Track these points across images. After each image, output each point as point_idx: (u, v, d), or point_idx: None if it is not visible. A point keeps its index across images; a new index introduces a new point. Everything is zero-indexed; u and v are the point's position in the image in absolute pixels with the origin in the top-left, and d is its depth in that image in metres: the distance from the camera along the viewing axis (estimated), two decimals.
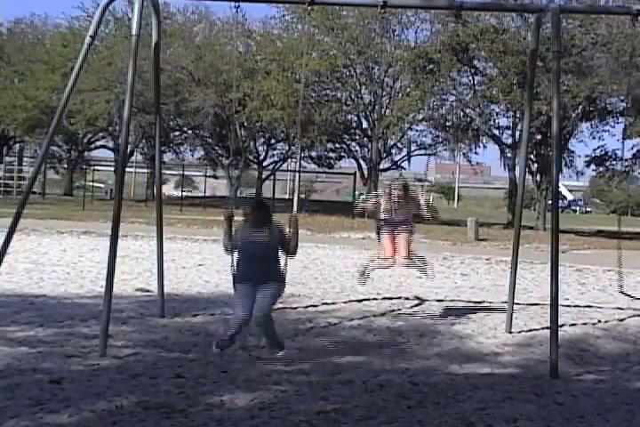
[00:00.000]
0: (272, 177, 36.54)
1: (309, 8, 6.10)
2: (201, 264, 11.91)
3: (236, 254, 6.19)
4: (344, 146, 37.14)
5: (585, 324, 7.79)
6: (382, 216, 7.72)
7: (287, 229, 6.21)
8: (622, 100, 28.39)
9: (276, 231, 6.10)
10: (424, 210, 7.67)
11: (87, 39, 6.16)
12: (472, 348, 6.52)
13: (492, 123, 31.48)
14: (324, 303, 8.55)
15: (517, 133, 30.21)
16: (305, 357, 5.84)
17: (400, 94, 32.36)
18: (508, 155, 30.84)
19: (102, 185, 51.45)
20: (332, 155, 38.47)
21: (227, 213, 6.20)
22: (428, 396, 4.75)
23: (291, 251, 6.12)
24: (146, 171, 43.37)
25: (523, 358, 6.19)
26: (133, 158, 44.36)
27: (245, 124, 33.88)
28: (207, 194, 42.41)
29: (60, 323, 6.75)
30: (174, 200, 33.99)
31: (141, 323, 6.96)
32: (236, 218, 6.18)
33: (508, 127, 31.87)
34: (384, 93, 33.08)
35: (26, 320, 6.78)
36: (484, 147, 32.95)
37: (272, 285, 5.99)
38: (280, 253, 6.11)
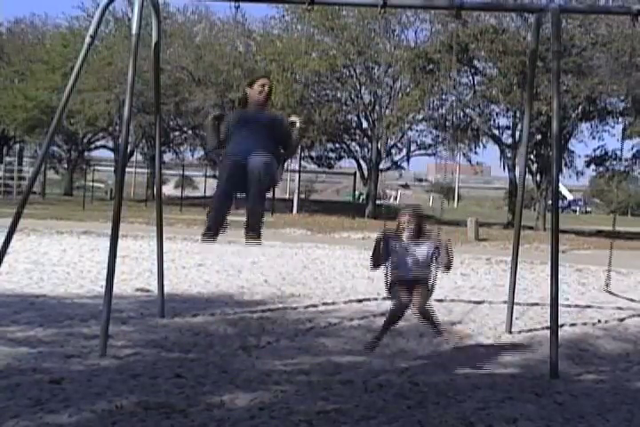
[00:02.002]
0: None
1: (309, 8, 6.09)
2: (201, 264, 11.91)
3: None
4: (344, 146, 37.18)
5: (585, 324, 7.79)
6: (391, 276, 5.81)
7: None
8: (622, 100, 28.42)
9: (278, 121, 5.82)
10: (442, 258, 5.74)
11: (87, 39, 6.15)
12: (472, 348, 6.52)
13: (492, 123, 31.55)
14: (323, 303, 8.55)
15: (517, 133, 30.24)
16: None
17: (400, 94, 32.39)
18: (508, 155, 30.88)
19: (102, 185, 51.48)
20: (331, 155, 38.52)
21: (215, 114, 5.98)
22: (428, 396, 4.75)
23: (291, 149, 5.91)
24: (146, 171, 43.41)
25: (523, 358, 6.19)
26: (133, 158, 44.43)
27: None
28: (207, 194, 42.42)
29: (59, 323, 6.74)
30: (174, 200, 33.99)
31: (141, 323, 6.96)
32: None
33: (508, 127, 31.94)
34: (384, 93, 33.11)
35: (26, 320, 6.77)
36: (484, 147, 33.05)
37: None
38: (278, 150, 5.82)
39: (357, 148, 37.11)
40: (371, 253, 5.78)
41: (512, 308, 7.36)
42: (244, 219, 5.94)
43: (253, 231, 5.97)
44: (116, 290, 6.03)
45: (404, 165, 39.22)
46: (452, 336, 6.42)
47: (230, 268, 11.33)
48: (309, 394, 4.68)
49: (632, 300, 9.04)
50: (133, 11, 6.00)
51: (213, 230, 5.94)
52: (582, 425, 4.31)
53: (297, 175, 36.74)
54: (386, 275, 5.79)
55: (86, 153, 48.55)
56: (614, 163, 31.06)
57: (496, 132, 31.88)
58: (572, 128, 30.04)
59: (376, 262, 5.75)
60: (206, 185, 43.18)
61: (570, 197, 68.71)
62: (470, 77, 30.93)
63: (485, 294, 9.74)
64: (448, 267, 5.74)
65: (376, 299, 8.98)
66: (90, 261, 11.56)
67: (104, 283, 5.87)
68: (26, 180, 33.40)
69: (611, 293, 8.29)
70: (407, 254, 5.71)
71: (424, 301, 5.71)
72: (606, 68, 25.45)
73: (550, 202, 7.59)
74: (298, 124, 6.03)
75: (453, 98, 30.83)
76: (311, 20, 26.98)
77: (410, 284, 5.69)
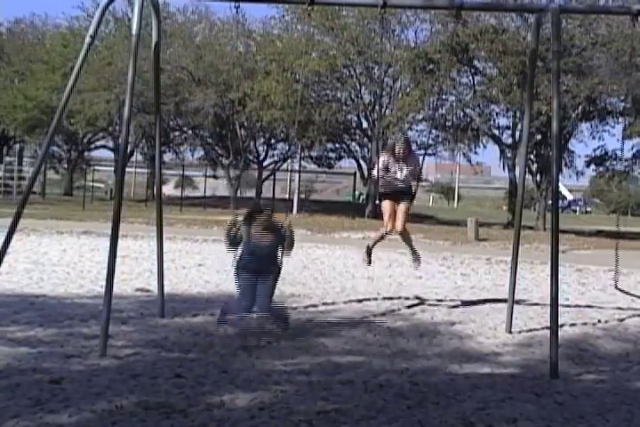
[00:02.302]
0: (272, 177, 36.55)
1: (309, 8, 6.09)
2: (201, 264, 11.91)
3: (239, 251, 6.98)
4: (344, 146, 37.16)
5: (585, 324, 7.79)
6: (387, 178, 7.95)
7: (285, 229, 6.97)
8: (622, 100, 28.41)
9: (277, 233, 6.90)
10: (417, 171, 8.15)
11: (87, 39, 6.16)
12: (472, 348, 6.52)
13: (492, 123, 31.52)
14: (323, 303, 8.55)
15: (517, 133, 30.23)
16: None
17: (400, 94, 32.37)
18: (508, 155, 30.86)
19: (102, 185, 51.47)
20: (331, 155, 38.50)
21: (233, 219, 7.02)
22: (428, 396, 4.75)
23: (287, 249, 6.95)
24: (146, 171, 43.39)
25: (523, 358, 6.19)
26: (133, 158, 44.41)
27: (245, 124, 33.89)
28: (207, 194, 42.41)
29: (60, 323, 6.75)
30: (174, 200, 33.99)
31: (141, 323, 6.96)
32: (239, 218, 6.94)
33: (508, 127, 31.90)
34: (384, 93, 33.08)
35: (26, 320, 6.78)
36: (484, 147, 33.00)
37: (271, 276, 6.91)
38: (279, 251, 6.91)
39: (357, 148, 37.10)
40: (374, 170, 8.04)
41: (512, 308, 7.36)
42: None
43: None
44: (115, 290, 6.04)
45: None
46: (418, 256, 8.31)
47: (230, 268, 11.31)
48: (309, 394, 4.69)
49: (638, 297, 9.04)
50: (133, 11, 6.01)
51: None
52: (582, 425, 4.32)
53: (297, 175, 36.74)
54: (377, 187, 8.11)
55: (86, 153, 48.51)
56: (614, 163, 31.04)
57: (496, 132, 31.86)
58: (572, 128, 30.02)
59: (376, 176, 7.93)
60: (206, 185, 43.23)
61: (570, 197, 68.67)
62: (470, 77, 30.90)
63: (485, 294, 9.74)
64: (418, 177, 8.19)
65: (376, 299, 9.00)
66: (90, 261, 11.56)
67: (104, 283, 5.88)
68: (26, 180, 33.40)
69: (621, 290, 8.28)
70: (398, 171, 7.94)
71: (405, 219, 7.97)
72: (606, 68, 25.43)
73: (550, 202, 7.59)
74: (289, 233, 7.00)
75: (453, 98, 30.82)
76: (311, 19, 26.95)
77: (396, 194, 7.99)
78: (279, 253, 6.89)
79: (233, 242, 6.95)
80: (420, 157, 8.84)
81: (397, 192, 8.05)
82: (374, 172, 8.13)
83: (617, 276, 7.98)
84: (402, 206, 8.06)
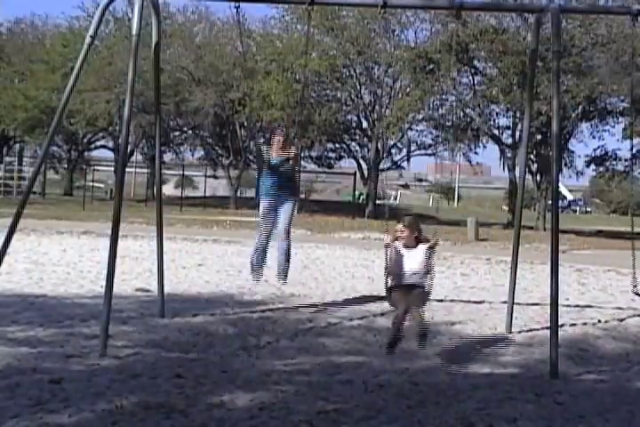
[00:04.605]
0: None
1: (309, 8, 6.09)
2: (201, 264, 11.91)
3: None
4: (344, 146, 37.18)
5: (585, 324, 7.79)
6: (390, 282, 6.10)
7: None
8: (622, 100, 28.41)
9: (292, 160, 8.09)
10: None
11: (87, 39, 6.15)
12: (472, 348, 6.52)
13: (491, 123, 31.53)
14: (324, 303, 8.54)
15: (517, 133, 30.24)
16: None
17: (400, 94, 32.40)
18: (508, 155, 30.87)
19: (102, 185, 51.46)
20: (332, 155, 38.51)
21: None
22: (428, 396, 4.75)
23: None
24: (146, 171, 43.40)
25: (523, 358, 6.19)
26: (133, 158, 44.40)
27: (245, 124, 33.90)
28: (207, 194, 42.42)
29: (59, 323, 6.74)
30: (174, 200, 33.99)
31: (141, 323, 6.96)
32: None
33: (508, 127, 31.94)
34: (384, 93, 33.11)
35: (26, 320, 6.77)
36: (484, 147, 33.03)
37: (291, 199, 8.13)
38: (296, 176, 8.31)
39: (357, 148, 37.12)
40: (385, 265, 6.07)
41: (512, 308, 7.36)
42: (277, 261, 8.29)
43: (283, 273, 8.39)
44: (115, 290, 6.03)
45: (404, 165, 39.27)
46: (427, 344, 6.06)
47: (230, 268, 11.33)
48: (309, 394, 4.68)
49: None
50: (133, 11, 6.01)
51: (258, 270, 8.31)
52: (582, 425, 4.31)
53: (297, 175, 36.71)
54: (386, 280, 6.04)
55: (86, 153, 48.54)
56: (614, 163, 31.05)
57: (496, 132, 31.88)
58: (572, 128, 30.04)
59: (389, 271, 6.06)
60: (206, 185, 43.23)
61: (570, 197, 68.67)
62: (470, 77, 30.92)
63: (485, 294, 9.73)
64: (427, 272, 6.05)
65: (376, 299, 8.98)
66: (90, 261, 11.56)
67: (104, 283, 5.87)
68: (26, 180, 33.41)
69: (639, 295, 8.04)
70: (404, 262, 6.00)
71: (420, 303, 5.93)
72: (606, 68, 25.45)
73: (550, 202, 7.57)
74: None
75: (453, 98, 30.84)
76: (311, 19, 26.97)
77: (407, 289, 5.97)
78: (297, 180, 8.26)
79: (261, 162, 8.20)
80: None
81: (408, 287, 6.03)
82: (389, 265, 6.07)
83: (635, 280, 7.67)
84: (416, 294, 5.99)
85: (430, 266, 6.06)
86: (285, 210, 8.14)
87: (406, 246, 6.05)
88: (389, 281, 6.08)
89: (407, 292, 5.96)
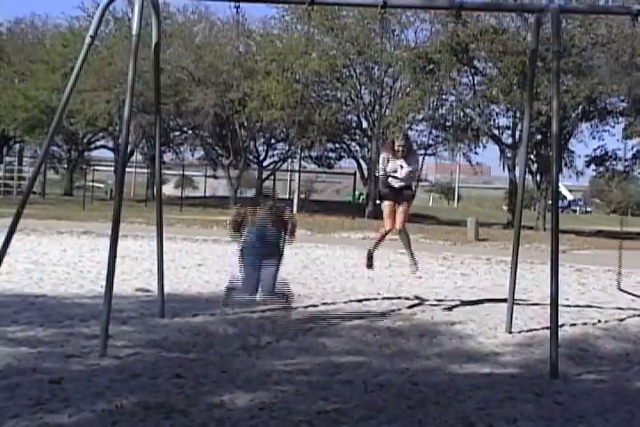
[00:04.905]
0: (272, 177, 36.54)
1: (309, 8, 6.09)
2: (201, 264, 11.91)
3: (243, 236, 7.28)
4: (344, 146, 37.17)
5: (585, 324, 7.79)
6: (389, 178, 7.98)
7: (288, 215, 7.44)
8: (622, 100, 28.41)
9: (280, 220, 7.24)
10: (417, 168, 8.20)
11: (87, 39, 6.15)
12: (472, 348, 6.52)
13: (491, 123, 31.52)
14: (323, 303, 8.55)
15: (517, 133, 30.23)
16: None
17: (400, 94, 32.39)
18: (508, 155, 30.86)
19: (102, 185, 51.46)
20: (332, 155, 38.50)
21: (238, 208, 7.44)
22: (428, 396, 4.75)
23: (290, 235, 7.28)
24: (146, 171, 43.40)
25: (523, 358, 6.19)
26: (133, 158, 44.39)
27: (245, 124, 33.89)
28: (207, 194, 42.41)
29: (59, 323, 6.75)
30: (174, 200, 33.99)
31: (141, 323, 6.96)
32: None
33: (508, 127, 31.92)
34: (384, 93, 33.10)
35: (26, 320, 6.77)
36: (484, 147, 33.01)
37: (275, 260, 7.19)
38: (281, 237, 7.27)
39: (357, 148, 37.11)
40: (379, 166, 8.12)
41: (512, 308, 7.36)
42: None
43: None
44: (115, 290, 6.03)
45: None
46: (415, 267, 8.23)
47: (230, 268, 11.31)
48: (309, 394, 4.69)
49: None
50: (133, 11, 6.00)
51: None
52: (582, 425, 4.32)
53: (297, 175, 36.74)
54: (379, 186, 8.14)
55: (86, 153, 48.52)
56: (614, 163, 31.05)
57: (496, 132, 31.87)
58: (572, 128, 30.03)
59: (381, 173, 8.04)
60: (206, 185, 43.22)
61: (570, 197, 68.68)
62: (470, 77, 30.91)
63: (485, 294, 9.74)
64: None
65: (376, 299, 8.99)
66: (90, 261, 11.56)
67: (104, 283, 5.87)
68: (26, 180, 33.41)
69: (624, 291, 8.25)
70: (399, 169, 7.94)
71: (405, 217, 8.03)
72: (606, 68, 25.44)
73: (550, 202, 7.58)
74: (293, 219, 7.38)
75: (453, 98, 30.84)
76: (311, 19, 26.95)
77: (397, 190, 8.03)
78: (282, 240, 7.23)
79: (237, 229, 7.25)
80: (421, 157, 8.85)
81: (397, 191, 8.07)
82: (380, 168, 8.13)
83: (620, 276, 7.97)
84: (402, 207, 8.10)
85: (417, 170, 8.12)
86: (270, 269, 7.17)
87: (398, 158, 7.92)
88: (382, 187, 8.04)
89: (395, 200, 8.00)
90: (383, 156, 8.12)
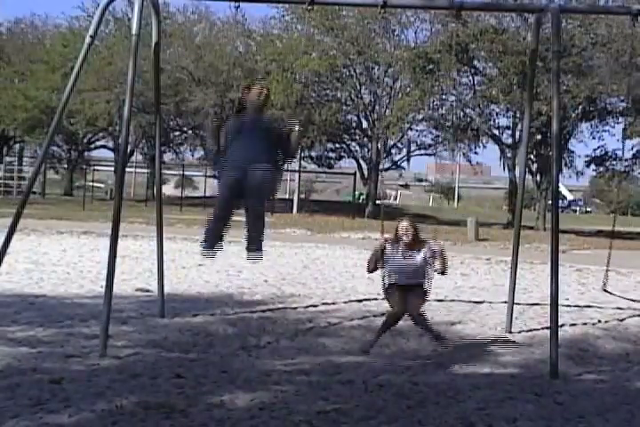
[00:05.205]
0: None
1: (309, 8, 6.09)
2: (201, 264, 11.89)
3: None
4: (344, 146, 37.17)
5: (585, 324, 7.79)
6: (388, 280, 6.22)
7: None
8: (622, 100, 28.42)
9: (276, 126, 5.93)
10: (439, 265, 6.17)
11: (87, 39, 6.16)
12: (472, 348, 6.52)
13: (491, 123, 31.52)
14: (323, 303, 8.55)
15: (517, 133, 30.24)
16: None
17: (400, 94, 32.40)
18: (508, 155, 30.87)
19: (102, 185, 51.44)
20: (332, 155, 38.49)
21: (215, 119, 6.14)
22: (428, 396, 4.75)
23: (290, 153, 5.97)
24: (146, 171, 43.38)
25: (523, 358, 6.19)
26: (133, 158, 44.38)
27: None
28: (207, 194, 42.39)
29: (59, 323, 6.75)
30: (174, 200, 33.97)
31: (141, 323, 6.96)
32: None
33: (508, 127, 31.94)
34: (384, 93, 33.11)
35: (26, 320, 6.78)
36: (484, 147, 33.03)
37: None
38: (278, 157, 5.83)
39: (357, 148, 37.11)
40: (367, 259, 6.33)
41: (512, 308, 7.36)
42: (245, 232, 5.95)
43: (254, 244, 5.92)
44: (115, 290, 6.03)
45: (404, 165, 39.29)
46: (446, 341, 6.32)
47: (230, 268, 11.32)
48: (309, 394, 4.68)
49: (632, 300, 9.03)
50: (133, 11, 6.00)
51: (212, 245, 5.97)
52: (582, 425, 4.31)
53: (297, 175, 36.73)
54: (383, 279, 6.24)
55: (86, 153, 48.52)
56: (614, 163, 31.05)
57: (496, 132, 31.88)
58: (572, 128, 30.04)
59: (370, 268, 6.31)
60: (206, 185, 43.20)
61: (570, 197, 68.67)
62: (470, 77, 30.92)
63: (485, 294, 9.74)
64: (443, 272, 6.23)
65: (376, 299, 8.98)
66: (90, 261, 11.56)
67: (104, 283, 5.87)
68: (26, 180, 33.38)
69: (608, 292, 8.28)
70: (403, 261, 6.15)
71: (419, 305, 6.11)
72: (606, 68, 25.45)
73: (550, 202, 7.59)
74: (297, 128, 6.04)
75: (453, 98, 30.84)
76: (311, 19, 26.97)
77: (405, 289, 6.14)
78: (279, 153, 5.84)
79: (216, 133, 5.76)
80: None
81: (406, 286, 6.18)
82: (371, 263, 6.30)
83: (606, 277, 8.00)
84: (415, 295, 6.18)
85: (432, 266, 6.17)
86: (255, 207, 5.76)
87: (407, 246, 6.12)
88: (387, 280, 6.21)
89: (405, 293, 6.07)
90: (387, 242, 6.23)
